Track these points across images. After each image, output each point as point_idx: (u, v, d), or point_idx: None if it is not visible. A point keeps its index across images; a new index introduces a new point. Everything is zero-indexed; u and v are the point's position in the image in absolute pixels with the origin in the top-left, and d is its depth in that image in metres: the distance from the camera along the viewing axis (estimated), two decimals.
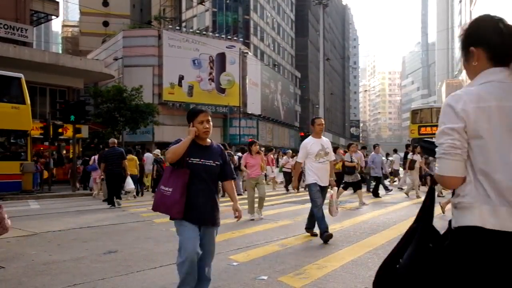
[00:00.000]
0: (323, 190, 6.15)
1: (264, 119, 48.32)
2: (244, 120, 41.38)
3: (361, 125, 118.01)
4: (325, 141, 6.38)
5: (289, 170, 16.25)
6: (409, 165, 12.87)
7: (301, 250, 5.41)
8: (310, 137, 6.36)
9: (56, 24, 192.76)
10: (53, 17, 27.52)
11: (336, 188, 7.00)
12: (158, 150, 16.89)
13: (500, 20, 1.59)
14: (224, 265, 4.62)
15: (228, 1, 46.86)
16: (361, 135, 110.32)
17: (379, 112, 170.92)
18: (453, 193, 1.60)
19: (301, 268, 4.46)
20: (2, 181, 14.36)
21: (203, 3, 39.29)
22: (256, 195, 8.58)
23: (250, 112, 44.30)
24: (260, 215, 8.38)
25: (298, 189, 15.55)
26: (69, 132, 18.18)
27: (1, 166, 14.53)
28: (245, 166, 9.02)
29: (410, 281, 1.59)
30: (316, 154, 6.06)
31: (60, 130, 16.53)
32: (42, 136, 16.70)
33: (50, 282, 4.09)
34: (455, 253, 1.51)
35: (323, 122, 6.36)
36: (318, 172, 6.04)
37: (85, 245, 5.91)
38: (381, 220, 7.40)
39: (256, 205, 8.45)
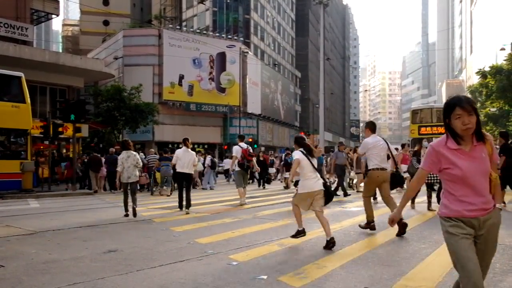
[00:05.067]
0: None
1: (264, 119, 48.31)
2: (244, 120, 41.38)
3: (361, 124, 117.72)
4: None
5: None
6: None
7: (300, 249, 5.41)
8: None
9: (56, 23, 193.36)
10: (53, 16, 27.49)
11: None
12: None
13: None
14: (224, 265, 4.62)
15: (228, 1, 46.86)
16: (361, 134, 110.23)
17: (379, 112, 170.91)
18: None
19: (300, 267, 4.45)
20: (2, 180, 14.36)
21: (204, 3, 39.28)
22: None
23: (250, 112, 44.31)
24: None
25: None
26: (69, 131, 18.19)
27: (1, 165, 14.52)
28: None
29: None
30: None
31: (60, 129, 16.54)
32: (42, 135, 16.71)
33: (49, 281, 4.09)
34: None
35: None
36: None
37: (85, 244, 5.91)
38: (381, 220, 7.36)
39: None
